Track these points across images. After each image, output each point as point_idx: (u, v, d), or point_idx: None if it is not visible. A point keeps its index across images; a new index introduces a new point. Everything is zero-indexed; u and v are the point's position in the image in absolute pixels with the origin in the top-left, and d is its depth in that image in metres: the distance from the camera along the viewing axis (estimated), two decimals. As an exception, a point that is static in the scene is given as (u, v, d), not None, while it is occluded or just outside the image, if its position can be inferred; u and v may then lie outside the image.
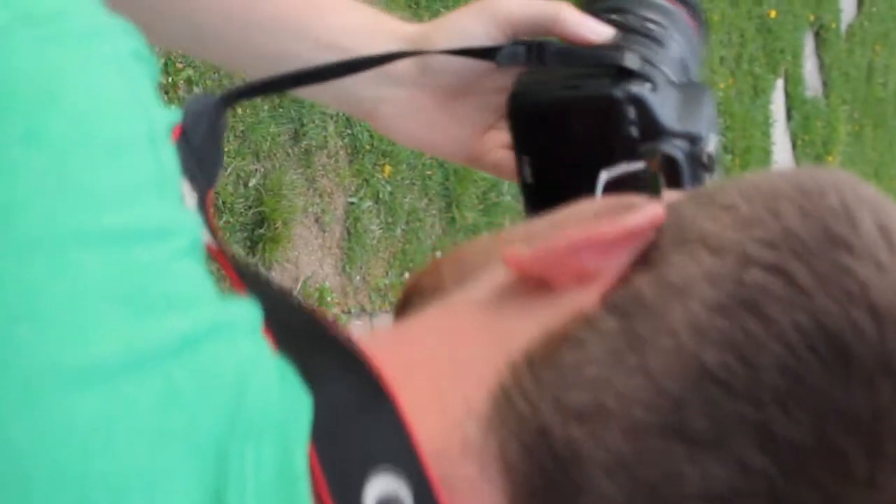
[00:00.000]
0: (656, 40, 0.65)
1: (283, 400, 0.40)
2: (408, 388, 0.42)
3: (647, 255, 0.44)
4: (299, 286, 2.69)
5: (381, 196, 3.04)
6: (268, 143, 2.63)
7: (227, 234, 2.48)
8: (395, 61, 0.68)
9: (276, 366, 0.41)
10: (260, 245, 2.56)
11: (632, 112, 0.61)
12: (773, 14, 6.14)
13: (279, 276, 2.65)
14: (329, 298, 2.80)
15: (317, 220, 2.82)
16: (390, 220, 3.09)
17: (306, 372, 0.41)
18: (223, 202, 2.48)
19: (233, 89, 0.62)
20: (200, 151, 0.56)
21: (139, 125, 0.40)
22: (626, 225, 0.44)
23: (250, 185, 2.57)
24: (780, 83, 6.32)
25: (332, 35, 0.69)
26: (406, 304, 0.54)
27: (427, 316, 0.48)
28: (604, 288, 0.44)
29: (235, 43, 0.71)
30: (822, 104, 6.81)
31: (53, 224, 0.36)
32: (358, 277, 2.95)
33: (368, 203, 2.99)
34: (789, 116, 6.42)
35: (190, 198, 0.51)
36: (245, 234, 2.55)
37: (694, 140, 0.62)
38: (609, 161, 0.61)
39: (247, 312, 0.42)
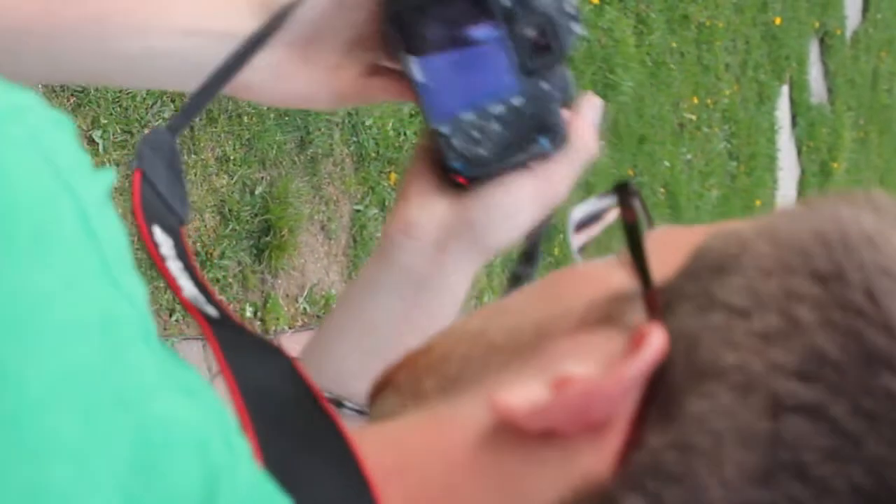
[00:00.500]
0: None
1: None
2: None
3: (658, 395, 0.39)
4: (305, 293, 2.70)
5: (387, 203, 3.04)
6: (274, 151, 2.63)
7: (234, 242, 2.49)
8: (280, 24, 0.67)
9: (252, 477, 0.37)
10: (266, 253, 2.57)
11: None
12: (777, 21, 6.14)
13: (285, 283, 2.65)
14: (335, 306, 2.80)
15: (323, 228, 2.83)
16: (396, 227, 3.09)
17: (290, 471, 0.38)
18: (229, 210, 2.49)
19: (174, 118, 0.61)
20: (166, 191, 0.54)
21: (65, 208, 0.36)
22: (627, 376, 0.38)
23: (256, 192, 2.58)
24: (785, 90, 6.32)
25: (193, 21, 0.67)
26: (379, 395, 0.50)
27: (416, 430, 0.44)
28: (616, 440, 0.38)
29: (96, 56, 0.67)
30: (827, 111, 6.81)
31: None
32: (364, 285, 2.95)
33: (374, 210, 3.00)
34: (794, 123, 6.42)
35: (165, 245, 0.49)
36: (251, 242, 2.56)
37: None
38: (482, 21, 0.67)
39: (214, 410, 0.38)
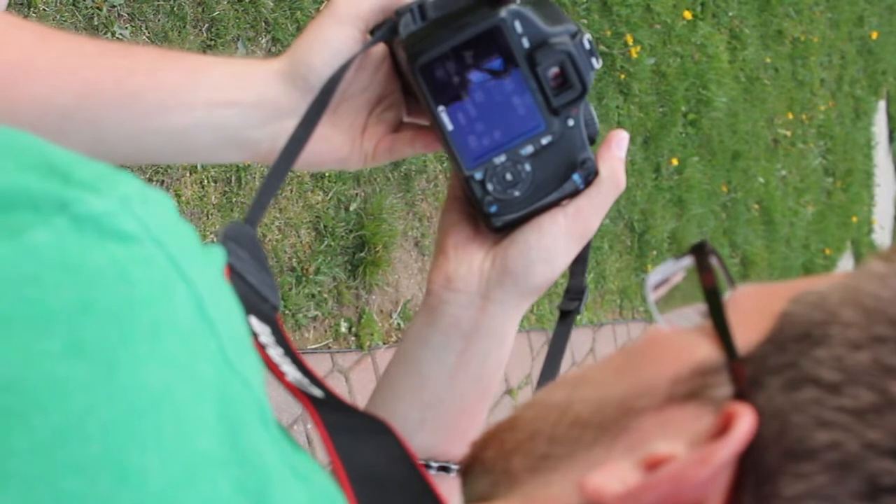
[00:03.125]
0: None
1: None
2: None
3: (750, 474, 0.38)
4: (399, 309, 2.72)
5: (479, 220, 3.04)
6: (368, 168, 2.65)
7: (329, 258, 2.51)
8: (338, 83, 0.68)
9: None
10: (360, 268, 2.59)
11: (519, 26, 0.67)
12: (874, 35, 6.04)
13: (380, 299, 2.67)
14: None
15: (416, 244, 2.85)
16: (488, 244, 3.09)
17: None
18: (325, 226, 2.51)
19: (250, 209, 0.62)
20: (255, 280, 0.55)
21: (180, 298, 0.36)
22: (717, 460, 0.38)
23: (351, 209, 2.60)
24: (882, 105, 6.21)
25: (223, 94, 0.69)
26: (470, 474, 0.50)
27: None
28: None
29: (138, 133, 0.68)
30: (925, 126, 6.67)
31: (111, 438, 0.33)
32: (456, 301, 2.95)
33: (467, 227, 3.00)
34: (892, 138, 6.30)
35: (263, 333, 0.51)
36: (346, 258, 2.58)
37: (573, 33, 0.68)
38: (508, 74, 0.68)
39: (326, 495, 0.39)
